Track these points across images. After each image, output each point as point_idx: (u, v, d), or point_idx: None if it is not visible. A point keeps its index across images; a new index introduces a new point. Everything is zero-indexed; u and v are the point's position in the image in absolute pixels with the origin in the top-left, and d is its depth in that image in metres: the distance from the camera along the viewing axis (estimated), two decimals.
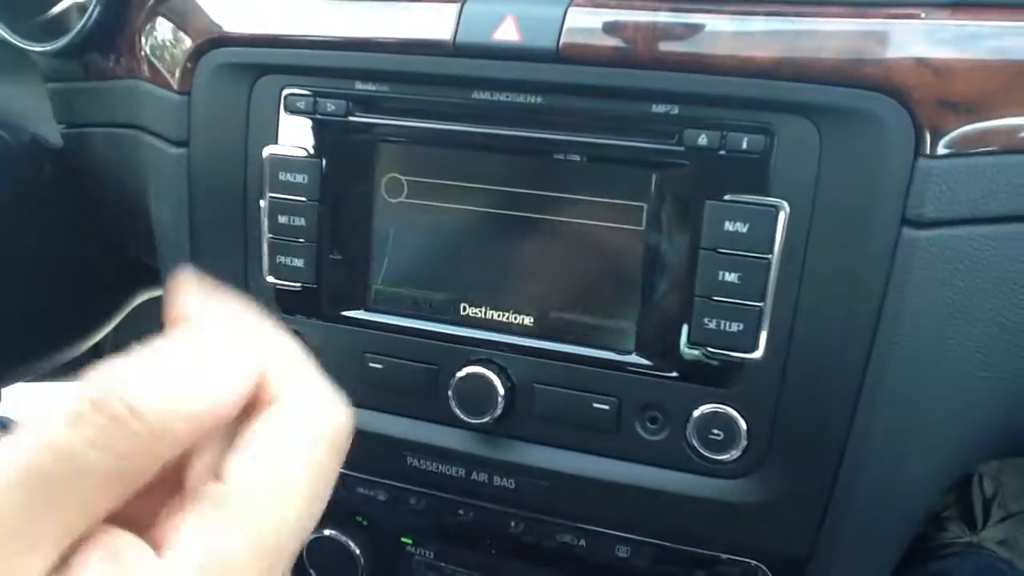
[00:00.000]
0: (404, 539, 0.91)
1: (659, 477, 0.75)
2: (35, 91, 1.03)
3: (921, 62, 0.63)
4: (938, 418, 0.69)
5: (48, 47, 0.91)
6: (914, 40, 0.63)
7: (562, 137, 0.72)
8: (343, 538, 0.89)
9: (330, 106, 0.78)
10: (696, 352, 0.71)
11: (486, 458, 0.80)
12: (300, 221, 0.80)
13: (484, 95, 0.73)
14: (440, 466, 0.82)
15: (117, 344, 1.86)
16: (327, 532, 0.90)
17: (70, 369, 1.17)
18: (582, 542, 0.82)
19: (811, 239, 0.67)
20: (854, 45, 0.64)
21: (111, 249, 1.08)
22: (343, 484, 0.87)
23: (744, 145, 0.67)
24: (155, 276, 1.09)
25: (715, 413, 0.71)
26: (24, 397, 1.26)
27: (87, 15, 0.88)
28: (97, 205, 1.03)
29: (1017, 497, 1.18)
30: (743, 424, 0.71)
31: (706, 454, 0.72)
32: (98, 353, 1.87)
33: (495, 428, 0.77)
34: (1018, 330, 0.66)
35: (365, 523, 0.91)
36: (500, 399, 0.75)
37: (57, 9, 0.97)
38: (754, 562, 0.77)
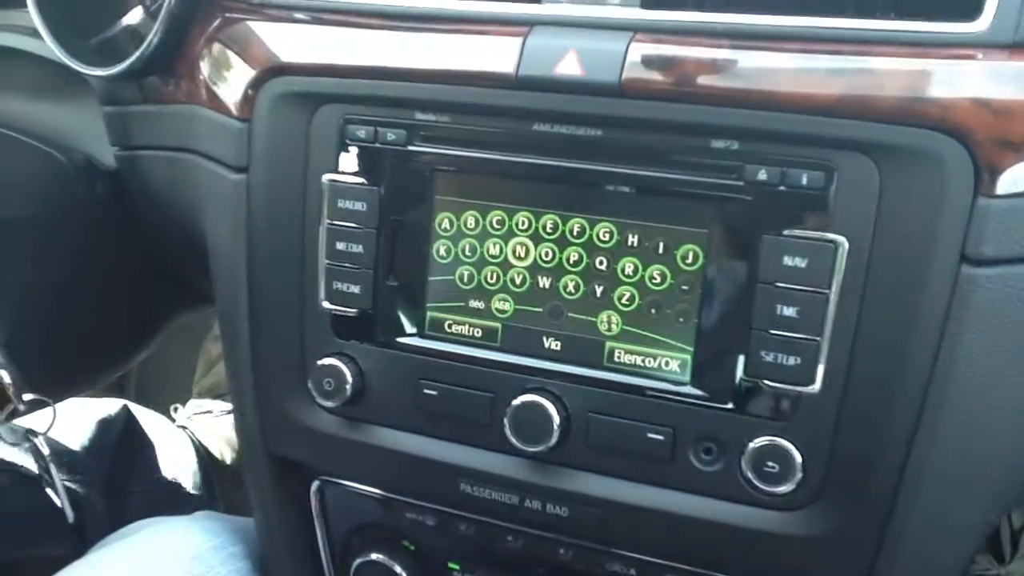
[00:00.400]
0: (452, 564, 0.91)
1: (713, 508, 0.75)
2: (89, 111, 1.04)
3: (980, 103, 0.63)
4: (995, 456, 0.69)
5: (109, 71, 0.91)
6: (974, 81, 0.64)
7: (621, 170, 0.73)
8: (390, 562, 0.89)
9: (390, 135, 0.79)
10: (752, 384, 0.72)
11: (540, 486, 0.80)
12: (358, 248, 0.81)
13: (545, 127, 0.74)
14: (493, 493, 0.82)
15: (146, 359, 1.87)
16: (374, 556, 0.90)
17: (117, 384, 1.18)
18: (632, 571, 0.82)
19: (870, 275, 0.67)
20: (914, 84, 0.65)
21: (158, 269, 1.09)
22: (391, 509, 0.88)
23: (804, 181, 0.68)
24: (199, 295, 1.10)
25: (771, 445, 0.71)
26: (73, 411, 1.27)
27: (149, 40, 0.89)
28: (148, 226, 1.04)
29: None
30: (798, 457, 0.71)
31: (761, 486, 0.72)
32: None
33: (549, 456, 0.78)
34: None
35: (412, 548, 0.91)
36: (556, 428, 0.76)
37: (112, 31, 0.98)
38: None
